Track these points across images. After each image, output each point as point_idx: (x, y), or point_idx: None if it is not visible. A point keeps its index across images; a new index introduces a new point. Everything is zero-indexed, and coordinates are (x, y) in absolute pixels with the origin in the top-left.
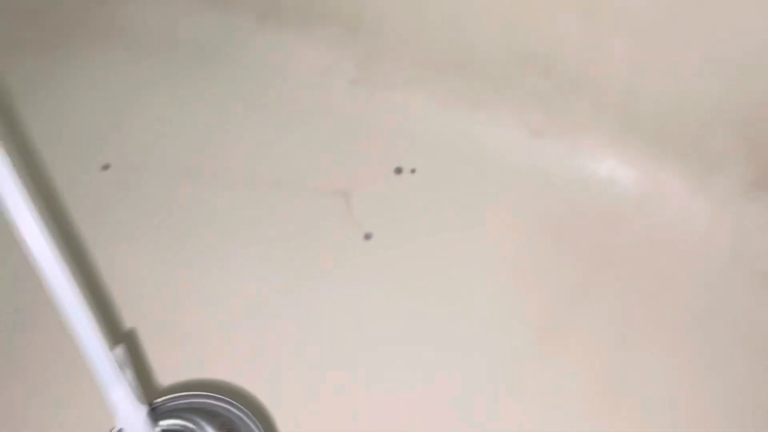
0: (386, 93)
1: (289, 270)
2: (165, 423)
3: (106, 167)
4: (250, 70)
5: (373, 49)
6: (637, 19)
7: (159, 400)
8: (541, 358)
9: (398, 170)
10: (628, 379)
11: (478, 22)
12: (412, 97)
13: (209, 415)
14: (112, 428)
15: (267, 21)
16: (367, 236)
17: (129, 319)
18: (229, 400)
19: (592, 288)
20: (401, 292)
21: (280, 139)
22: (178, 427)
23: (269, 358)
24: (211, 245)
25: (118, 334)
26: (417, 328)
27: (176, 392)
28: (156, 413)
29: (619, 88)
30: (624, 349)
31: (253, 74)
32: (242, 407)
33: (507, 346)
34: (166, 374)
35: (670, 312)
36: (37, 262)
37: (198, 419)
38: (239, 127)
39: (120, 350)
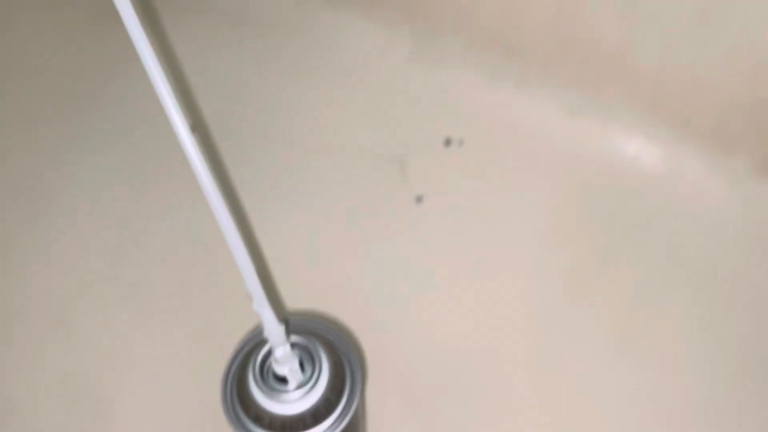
0: (439, 70)
1: (347, 223)
2: (291, 338)
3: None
4: (314, 44)
5: (429, 30)
6: (668, 16)
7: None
8: (568, 306)
9: (448, 141)
10: (642, 329)
11: (528, 8)
12: (463, 76)
13: (314, 334)
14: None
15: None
16: (419, 199)
17: None
18: (328, 324)
19: (617, 250)
20: (448, 246)
21: (339, 107)
22: (299, 341)
23: (344, 297)
24: (279, 200)
25: None
26: (461, 275)
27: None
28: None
29: (649, 76)
30: (641, 304)
31: (317, 48)
32: (336, 330)
33: (540, 296)
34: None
35: (683, 275)
36: (205, 188)
37: (308, 337)
38: (303, 96)
39: None
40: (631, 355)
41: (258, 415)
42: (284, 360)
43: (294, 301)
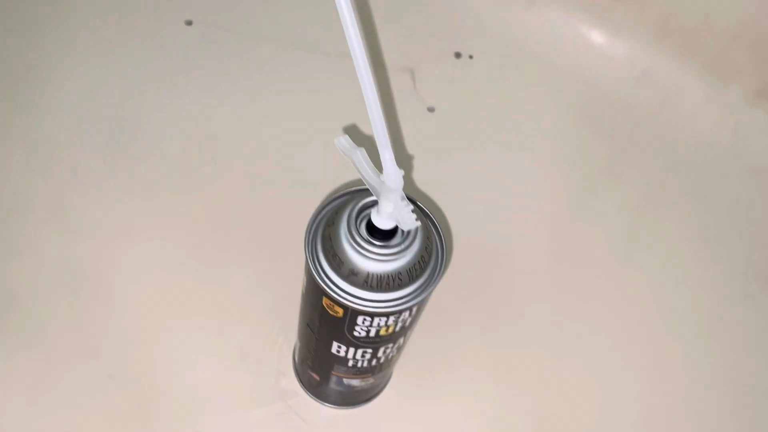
0: None
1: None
2: None
3: (189, 23)
4: None
5: None
6: None
7: None
8: (576, 214)
9: (458, 54)
10: (641, 237)
11: None
12: None
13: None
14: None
15: None
16: (430, 109)
17: None
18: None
19: (619, 166)
20: (459, 153)
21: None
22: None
23: None
24: (291, 103)
25: None
26: (473, 172)
27: None
28: None
29: (660, 3)
30: (639, 216)
31: None
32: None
33: (550, 205)
34: None
35: (678, 193)
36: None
37: None
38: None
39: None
40: (629, 259)
41: (353, 271)
42: (396, 208)
43: None
